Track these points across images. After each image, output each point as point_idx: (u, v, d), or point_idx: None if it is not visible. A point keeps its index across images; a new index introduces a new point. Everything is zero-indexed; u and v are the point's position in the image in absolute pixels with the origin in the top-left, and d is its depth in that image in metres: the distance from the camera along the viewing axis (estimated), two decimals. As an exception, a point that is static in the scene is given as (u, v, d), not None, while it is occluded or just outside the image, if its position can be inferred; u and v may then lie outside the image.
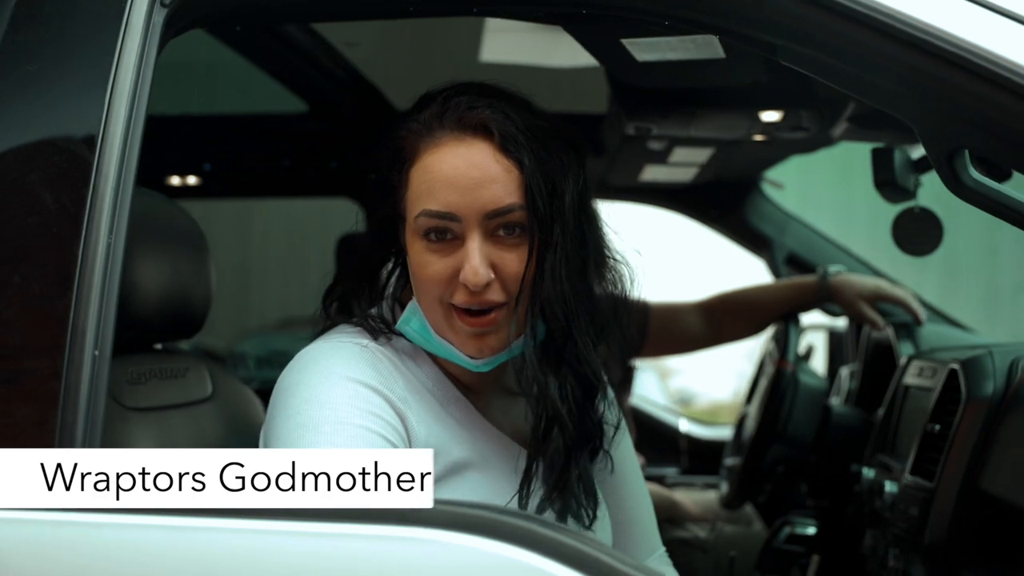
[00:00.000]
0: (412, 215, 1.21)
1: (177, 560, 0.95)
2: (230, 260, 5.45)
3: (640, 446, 3.05)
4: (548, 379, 1.21)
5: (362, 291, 1.32)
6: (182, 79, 3.02)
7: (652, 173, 2.78)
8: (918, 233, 2.07)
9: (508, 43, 3.00)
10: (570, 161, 1.24)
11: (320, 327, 1.32)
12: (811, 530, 2.25)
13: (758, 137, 2.20)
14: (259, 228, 5.57)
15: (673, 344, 2.78)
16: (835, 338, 3.10)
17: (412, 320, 1.26)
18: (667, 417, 3.47)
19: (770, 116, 2.01)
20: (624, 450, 1.42)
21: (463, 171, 1.18)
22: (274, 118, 2.93)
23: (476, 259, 1.17)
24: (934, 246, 2.07)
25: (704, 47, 1.48)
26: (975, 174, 1.16)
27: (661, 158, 2.57)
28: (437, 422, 1.23)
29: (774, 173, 2.99)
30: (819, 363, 3.13)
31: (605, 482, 1.37)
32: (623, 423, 1.40)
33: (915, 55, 1.06)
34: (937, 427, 1.80)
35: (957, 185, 1.16)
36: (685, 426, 3.43)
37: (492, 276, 1.18)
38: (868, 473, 2.12)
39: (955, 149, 1.14)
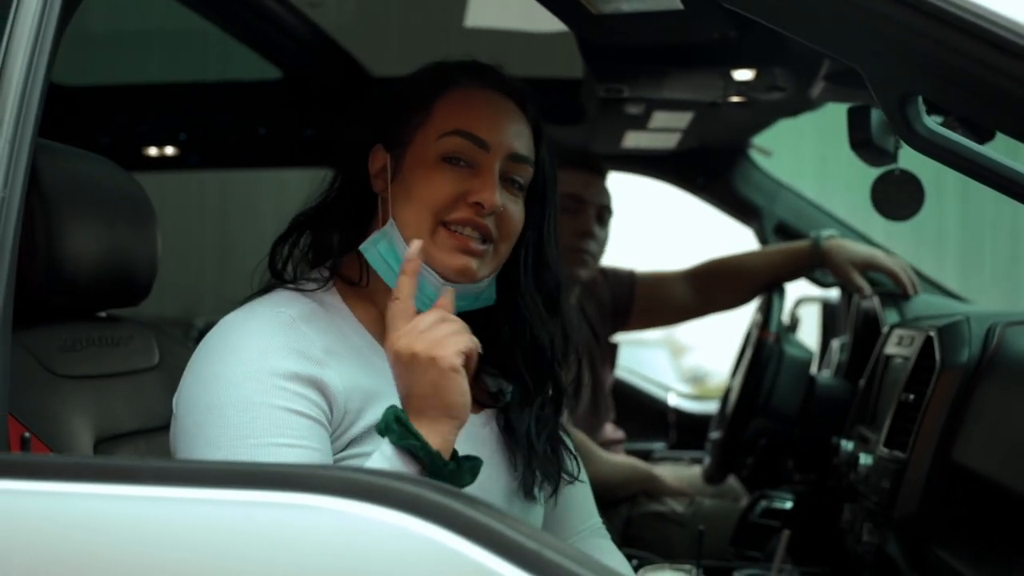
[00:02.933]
0: (435, 135, 1.25)
1: (45, 530, 0.89)
2: (214, 237, 5.38)
3: (628, 421, 3.00)
4: (538, 309, 1.30)
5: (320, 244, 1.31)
6: (155, 47, 2.96)
7: (634, 140, 2.70)
8: (898, 197, 1.98)
9: (494, 8, 2.92)
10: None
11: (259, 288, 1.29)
12: (788, 504, 2.19)
13: (735, 98, 2.12)
14: (240, 204, 5.46)
15: (661, 314, 2.71)
16: (828, 310, 3.03)
17: (380, 243, 1.26)
18: (655, 391, 3.40)
19: (743, 75, 1.93)
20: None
21: (503, 114, 1.28)
22: (248, 85, 2.86)
23: (496, 186, 1.24)
24: (915, 210, 1.99)
25: (659, -3, 1.41)
26: (928, 122, 1.08)
27: (641, 123, 2.49)
28: (361, 371, 1.21)
29: (762, 139, 2.90)
30: (812, 336, 3.06)
31: None
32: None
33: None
34: (911, 396, 1.73)
35: (909, 134, 1.09)
36: (674, 400, 3.36)
37: (503, 208, 1.24)
38: (846, 445, 2.05)
39: (907, 95, 1.06)
